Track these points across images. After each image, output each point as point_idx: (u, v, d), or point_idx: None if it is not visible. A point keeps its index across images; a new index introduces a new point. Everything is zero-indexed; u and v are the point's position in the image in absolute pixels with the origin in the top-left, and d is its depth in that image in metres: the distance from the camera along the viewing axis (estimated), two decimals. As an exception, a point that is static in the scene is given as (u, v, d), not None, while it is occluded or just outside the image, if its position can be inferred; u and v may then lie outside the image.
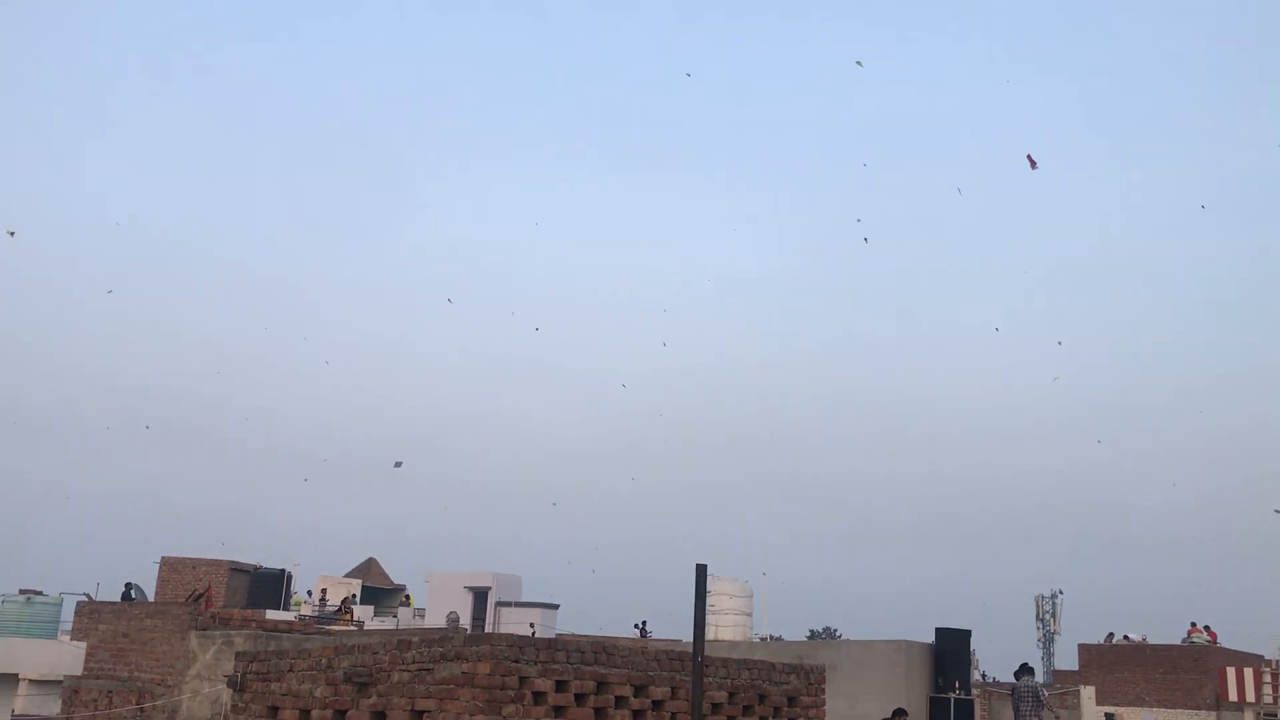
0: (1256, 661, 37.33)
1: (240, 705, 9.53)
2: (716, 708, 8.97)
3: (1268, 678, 35.97)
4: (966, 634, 21.33)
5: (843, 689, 18.51)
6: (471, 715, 7.54)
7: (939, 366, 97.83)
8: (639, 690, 8.47)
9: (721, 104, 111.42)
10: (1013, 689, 21.08)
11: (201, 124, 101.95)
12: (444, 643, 8.08)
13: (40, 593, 19.19)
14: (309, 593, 38.49)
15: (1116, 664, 38.00)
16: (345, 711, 8.49)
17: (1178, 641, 38.43)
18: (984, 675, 33.00)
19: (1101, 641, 40.33)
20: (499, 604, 37.17)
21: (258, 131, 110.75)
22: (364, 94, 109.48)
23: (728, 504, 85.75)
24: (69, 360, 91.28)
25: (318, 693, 8.76)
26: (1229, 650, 38.04)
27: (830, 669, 11.68)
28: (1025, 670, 20.81)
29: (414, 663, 8.14)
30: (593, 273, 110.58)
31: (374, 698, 8.31)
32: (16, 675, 16.38)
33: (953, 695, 20.06)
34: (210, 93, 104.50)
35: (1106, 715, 34.32)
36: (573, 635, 30.78)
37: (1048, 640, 47.52)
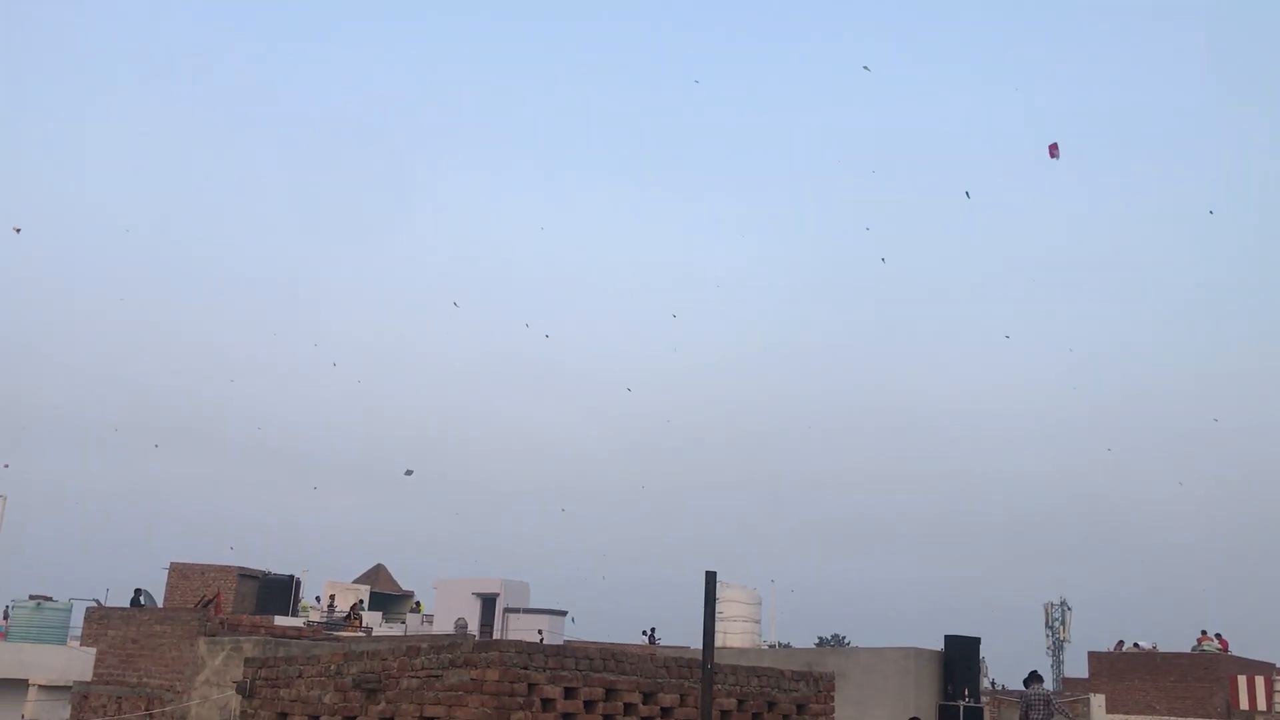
0: (1268, 670, 37.10)
1: (249, 711, 9.53)
2: (725, 715, 8.95)
3: (1279, 687, 35.76)
4: (976, 641, 21.25)
5: (852, 696, 18.47)
6: (480, 722, 7.53)
7: (949, 372, 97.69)
8: (648, 697, 8.46)
9: (730, 109, 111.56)
10: (1023, 697, 21.01)
11: (207, 127, 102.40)
12: (453, 649, 8.08)
13: (50, 598, 19.24)
14: (317, 599, 38.55)
15: (1126, 672, 37.81)
16: (354, 718, 8.49)
17: (1188, 650, 38.24)
18: (993, 683, 32.91)
19: (1111, 649, 40.15)
20: (507, 610, 37.16)
21: (265, 134, 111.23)
22: (371, 97, 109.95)
23: (736, 510, 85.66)
24: (78, 364, 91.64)
25: (327, 699, 8.77)
26: (1240, 659, 37.83)
27: (839, 676, 11.66)
28: (1035, 678, 20.74)
29: (423, 669, 8.14)
30: (599, 277, 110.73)
31: (383, 704, 8.32)
32: (26, 681, 16.39)
33: (962, 703, 19.99)
34: (215, 95, 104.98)
35: (1116, 723, 34.16)
36: (581, 642, 30.76)
37: (1057, 648, 47.38)
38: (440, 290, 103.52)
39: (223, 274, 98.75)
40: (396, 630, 35.88)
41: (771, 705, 9.41)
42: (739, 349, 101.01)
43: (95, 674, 18.50)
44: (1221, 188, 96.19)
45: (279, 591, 35.45)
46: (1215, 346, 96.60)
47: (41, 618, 17.67)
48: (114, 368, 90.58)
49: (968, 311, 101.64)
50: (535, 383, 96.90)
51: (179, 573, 34.15)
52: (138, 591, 29.45)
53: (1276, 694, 35.64)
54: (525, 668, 7.73)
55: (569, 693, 7.96)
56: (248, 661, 10.00)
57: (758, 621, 33.24)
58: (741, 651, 25.16)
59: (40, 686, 17.86)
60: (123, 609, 22.93)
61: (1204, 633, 38.86)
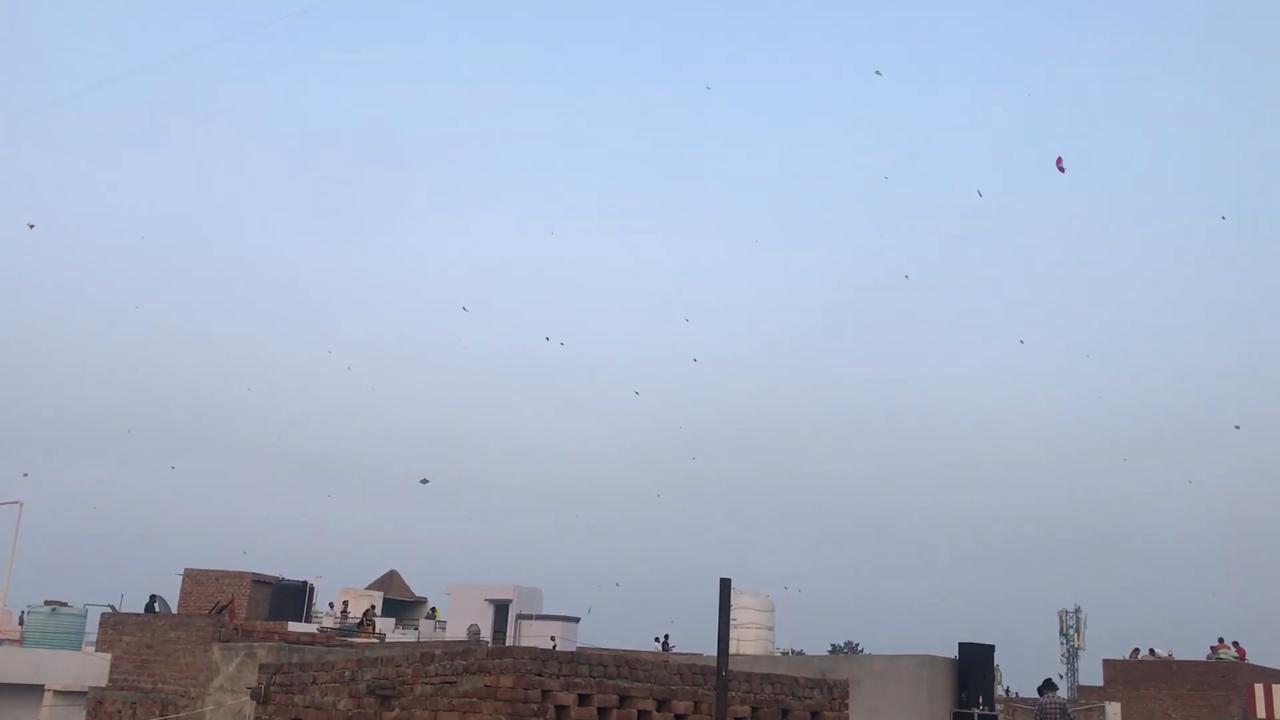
0: (1286, 678, 36.84)
1: (263, 717, 9.56)
2: (739, 722, 8.93)
3: (1297, 695, 35.48)
4: (990, 649, 21.15)
5: (865, 704, 18.39)
6: (494, 728, 7.54)
7: (963, 377, 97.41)
8: (661, 704, 8.44)
9: (742, 116, 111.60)
10: (1037, 705, 20.91)
11: (218, 132, 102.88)
12: (466, 655, 8.08)
13: (65, 604, 19.38)
14: (330, 605, 38.65)
15: (1142, 680, 37.55)
16: (368, 724, 8.50)
17: (1204, 657, 37.99)
18: (1007, 690, 32.76)
19: (1126, 657, 39.93)
20: (520, 617, 37.18)
21: (271, 138, 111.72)
22: (379, 100, 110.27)
23: (748, 516, 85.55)
24: (95, 370, 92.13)
25: (341, 705, 8.78)
26: (1257, 667, 37.56)
27: (853, 684, 11.62)
28: (1049, 686, 20.64)
29: (436, 675, 8.15)
30: (610, 280, 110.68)
31: (396, 710, 8.33)
32: (42, 686, 16.52)
33: (976, 711, 19.90)
34: (221, 97, 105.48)
35: (1132, 732, 33.95)
36: (594, 649, 30.74)
37: (1071, 655, 47.14)
38: (451, 295, 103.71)
39: (238, 280, 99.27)
40: (409, 636, 35.93)
41: (786, 713, 9.39)
42: (751, 353, 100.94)
43: (110, 679, 18.60)
44: (1237, 193, 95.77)
45: (292, 597, 35.57)
46: (1235, 352, 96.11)
47: (57, 623, 17.79)
48: (130, 373, 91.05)
49: (981, 315, 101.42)
50: (548, 387, 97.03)
51: (193, 579, 34.29)
52: (153, 597, 29.57)
53: (1294, 702, 35.37)
54: (539, 674, 7.73)
55: (583, 700, 7.95)
56: (262, 668, 10.02)
57: (771, 629, 33.20)
58: (754, 659, 25.10)
59: (56, 692, 17.96)
60: (137, 615, 23.04)
61: (1221, 640, 38.61)
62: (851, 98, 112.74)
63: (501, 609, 37.49)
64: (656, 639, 37.88)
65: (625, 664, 8.41)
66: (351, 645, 19.02)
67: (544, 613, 37.76)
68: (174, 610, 30.59)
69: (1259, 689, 35.63)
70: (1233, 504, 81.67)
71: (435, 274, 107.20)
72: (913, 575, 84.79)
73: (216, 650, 14.58)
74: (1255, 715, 35.40)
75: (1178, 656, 38.78)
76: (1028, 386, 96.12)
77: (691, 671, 8.85)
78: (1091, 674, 42.10)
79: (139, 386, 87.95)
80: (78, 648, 18.00)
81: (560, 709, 7.80)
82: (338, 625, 34.54)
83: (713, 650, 8.02)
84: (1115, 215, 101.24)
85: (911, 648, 21.73)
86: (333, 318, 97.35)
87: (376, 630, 33.22)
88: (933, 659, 20.29)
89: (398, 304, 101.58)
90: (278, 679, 9.58)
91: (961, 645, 20.82)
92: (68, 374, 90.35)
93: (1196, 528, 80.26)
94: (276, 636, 16.85)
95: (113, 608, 23.20)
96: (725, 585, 7.84)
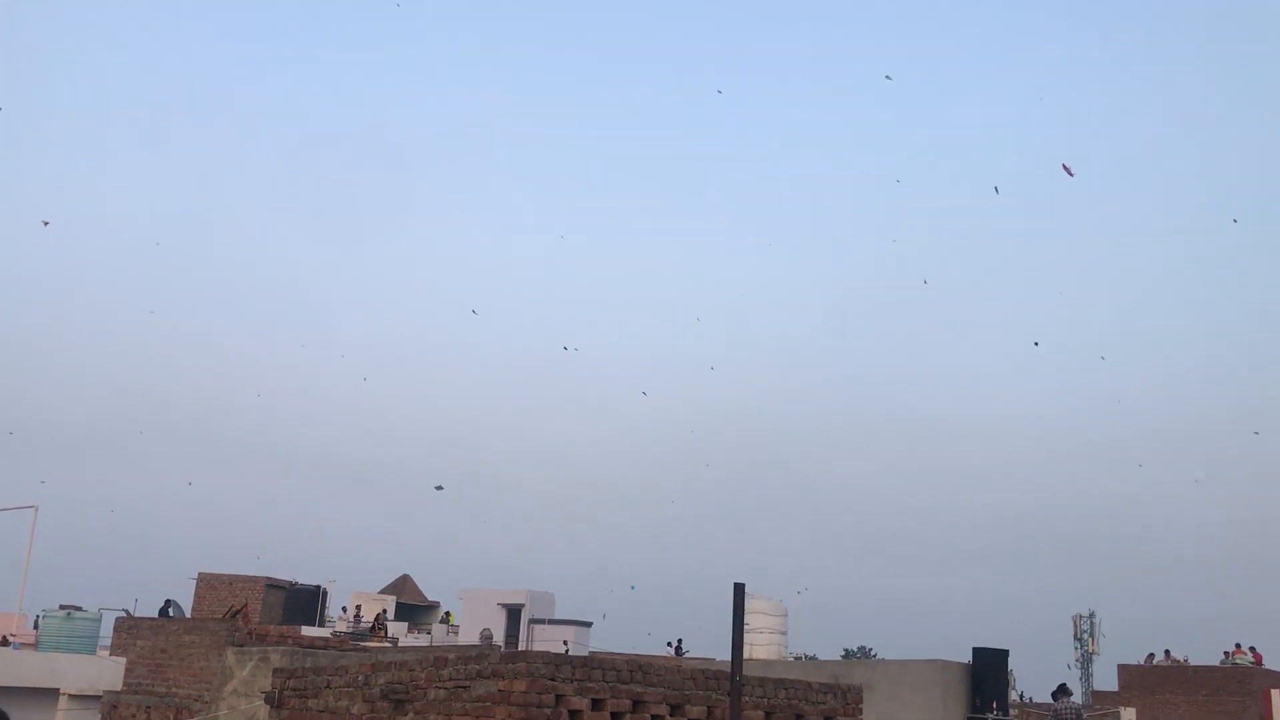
0: (1302, 684, 36.60)
1: (278, 721, 9.58)
2: (753, 727, 8.91)
3: (1314, 701, 35.24)
4: (1004, 654, 21.07)
5: (878, 709, 18.32)
6: (508, 733, 7.54)
7: (977, 380, 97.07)
8: (675, 709, 8.43)
9: (752, 120, 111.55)
10: (1051, 710, 20.82)
11: (219, 133, 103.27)
12: (480, 660, 8.09)
13: (80, 608, 19.39)
14: (343, 609, 38.74)
15: (1157, 685, 37.35)
16: (382, 728, 8.52)
17: (1220, 663, 37.78)
18: (1021, 695, 32.62)
19: (1142, 662, 39.72)
20: (532, 621, 37.19)
21: (277, 142, 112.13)
22: (385, 103, 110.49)
23: (761, 522, 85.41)
24: (108, 375, 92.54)
25: (354, 709, 8.80)
26: (1274, 672, 37.32)
27: (866, 689, 11.58)
28: (1064, 691, 20.54)
29: (450, 680, 8.16)
30: (620, 283, 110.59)
31: (410, 715, 8.34)
32: (57, 690, 16.54)
33: (990, 716, 19.82)
34: (224, 98, 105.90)
35: (1147, 737, 33.77)
36: (607, 653, 30.72)
37: (1086, 660, 46.88)
38: (458, 296, 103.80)
39: (251, 284, 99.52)
40: (422, 641, 35.98)
41: (799, 717, 9.37)
42: (766, 362, 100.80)
43: (125, 683, 18.64)
44: (1251, 196, 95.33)
45: (306, 602, 35.68)
46: (1252, 359, 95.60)
47: (71, 627, 17.81)
48: (140, 377, 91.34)
49: (996, 318, 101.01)
50: (560, 391, 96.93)
51: (207, 583, 34.43)
52: (167, 602, 29.66)
53: (1311, 708, 35.14)
54: (553, 679, 7.73)
55: (596, 704, 7.95)
56: (276, 672, 10.05)
57: (784, 633, 33.16)
58: (767, 663, 25.04)
59: (70, 696, 17.99)
60: (151, 619, 23.14)
61: (1237, 645, 38.41)
62: (863, 99, 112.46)
63: (514, 613, 37.49)
64: (669, 644, 37.87)
65: (638, 669, 8.41)
66: (365, 650, 19.05)
67: (556, 617, 37.76)
68: (188, 614, 30.68)
69: (1276, 695, 35.38)
70: (1247, 506, 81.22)
71: (441, 275, 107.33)
72: (927, 579, 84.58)
73: (230, 654, 14.64)
74: (1271, 721, 35.16)
75: (1193, 660, 38.58)
76: (1041, 388, 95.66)
77: (705, 676, 8.83)
78: (1106, 679, 41.94)
79: (149, 390, 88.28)
80: (92, 652, 18.03)
81: (574, 714, 7.80)
82: (351, 629, 34.61)
83: (726, 655, 8.01)
84: (1124, 219, 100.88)
85: (925, 652, 21.71)
86: (346, 321, 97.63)
87: (389, 634, 33.27)
88: (946, 664, 20.22)
89: (402, 304, 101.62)
90: (291, 683, 9.61)
91: (975, 650, 20.74)
92: (78, 377, 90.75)
93: (1212, 533, 79.82)
94: (290, 641, 16.91)
95: (127, 612, 23.27)
96: (739, 591, 7.84)
